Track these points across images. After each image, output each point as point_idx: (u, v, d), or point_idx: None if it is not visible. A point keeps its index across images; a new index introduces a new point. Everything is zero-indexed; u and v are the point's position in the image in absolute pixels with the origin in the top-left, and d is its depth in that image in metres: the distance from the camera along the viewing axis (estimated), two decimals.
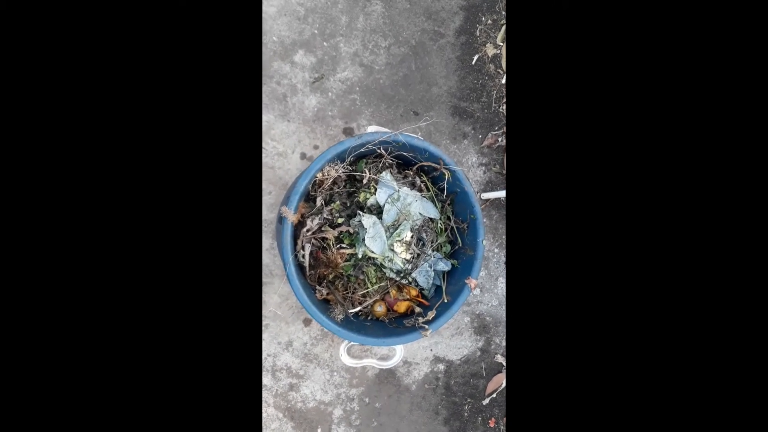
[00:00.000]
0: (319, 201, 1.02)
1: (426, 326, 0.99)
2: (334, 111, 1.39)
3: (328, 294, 1.04)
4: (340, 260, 1.00)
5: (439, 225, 1.04)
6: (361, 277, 1.04)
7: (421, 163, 1.06)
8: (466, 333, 1.45)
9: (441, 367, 1.34)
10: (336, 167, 0.97)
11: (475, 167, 1.48)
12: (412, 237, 1.03)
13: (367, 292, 1.05)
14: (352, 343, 1.00)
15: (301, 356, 1.36)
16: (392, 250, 1.03)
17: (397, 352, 1.04)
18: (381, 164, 1.03)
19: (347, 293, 1.04)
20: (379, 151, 1.03)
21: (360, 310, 1.04)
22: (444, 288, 1.06)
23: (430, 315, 1.00)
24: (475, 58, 1.49)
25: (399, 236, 1.02)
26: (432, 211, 1.07)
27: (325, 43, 1.39)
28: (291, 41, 1.37)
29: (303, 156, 1.36)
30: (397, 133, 0.97)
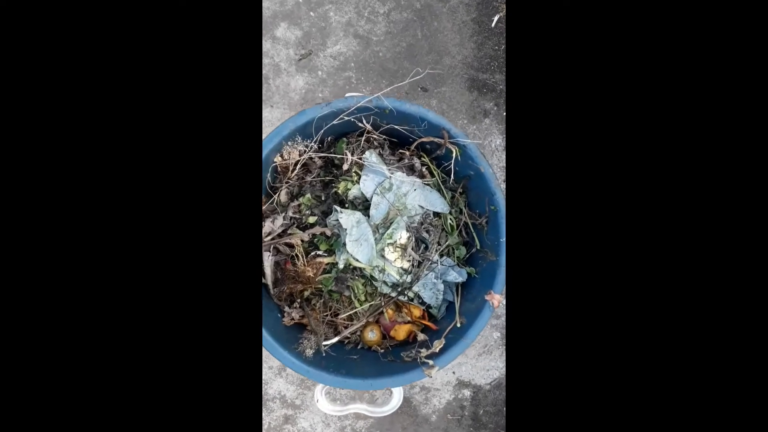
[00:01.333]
0: (283, 195, 0.72)
1: (430, 361, 0.67)
2: (325, 92, 1.10)
3: (302, 317, 0.75)
4: (311, 272, 0.70)
5: (449, 221, 0.71)
6: (347, 293, 0.74)
7: (420, 140, 0.74)
8: (496, 352, 1.11)
9: (467, 393, 1.08)
10: (299, 147, 0.68)
11: (500, 151, 1.13)
12: (409, 238, 0.71)
13: (354, 313, 0.74)
14: None
15: (297, 382, 1.07)
16: (383, 257, 0.72)
17: (394, 395, 0.72)
18: (363, 142, 0.72)
19: (326, 315, 0.74)
20: (362, 125, 0.72)
21: (344, 339, 0.74)
22: (457, 306, 0.73)
23: (438, 345, 0.68)
24: (495, 19, 1.14)
25: (390, 238, 0.71)
26: (438, 203, 0.75)
27: (311, 13, 1.10)
28: (271, 13, 1.10)
29: None
30: (378, 96, 0.66)
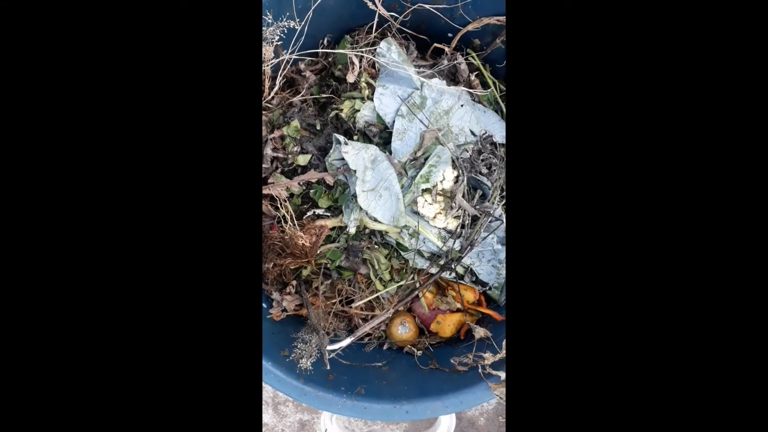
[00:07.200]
0: (264, 124, 0.47)
1: (501, 373, 0.41)
2: None
3: (299, 307, 0.50)
4: (306, 241, 0.45)
5: None
6: (363, 270, 0.49)
7: (464, 29, 0.46)
8: None
9: None
10: (275, 40, 0.41)
11: None
12: (457, 180, 0.44)
13: (376, 298, 0.49)
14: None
15: (294, 402, 0.85)
16: (416, 213, 0.46)
17: (441, 422, 0.47)
18: (375, 36, 0.45)
19: (335, 303, 0.49)
20: (373, 6, 0.45)
21: (362, 337, 0.48)
22: None
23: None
24: None
25: (427, 181, 0.44)
26: (497, 127, 0.48)
27: None
28: None
29: None
30: None
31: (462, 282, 0.49)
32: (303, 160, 0.46)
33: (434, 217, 0.45)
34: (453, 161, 0.44)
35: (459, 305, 0.49)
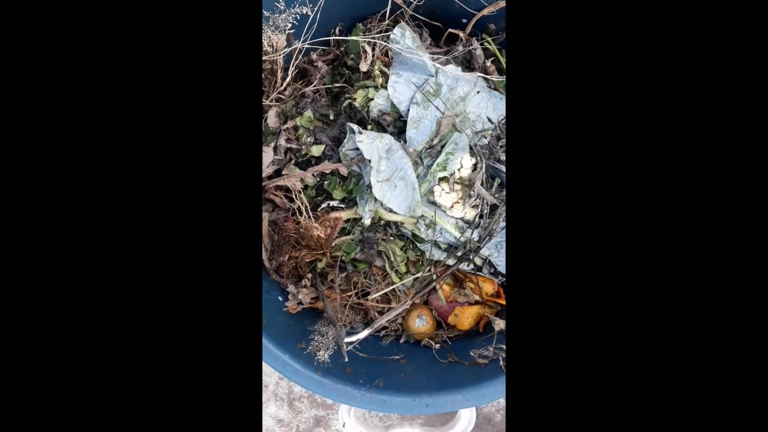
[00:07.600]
0: (271, 116, 0.46)
1: None
2: None
3: (314, 300, 0.50)
4: (321, 232, 0.44)
5: None
6: (379, 263, 0.48)
7: (479, 13, 0.45)
8: None
9: None
10: (288, 28, 0.40)
11: None
12: (476, 167, 0.43)
13: (392, 291, 0.48)
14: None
15: (308, 397, 0.83)
16: (433, 204, 0.45)
17: (461, 417, 0.46)
18: (388, 24, 0.44)
19: (350, 296, 0.48)
20: None
21: (379, 330, 0.48)
22: None
23: None
24: None
25: (444, 169, 0.43)
26: None
27: None
28: None
29: None
30: None
31: (480, 273, 0.48)
32: (317, 150, 0.46)
33: (452, 207, 0.44)
34: (471, 148, 0.43)
35: (477, 297, 0.48)
